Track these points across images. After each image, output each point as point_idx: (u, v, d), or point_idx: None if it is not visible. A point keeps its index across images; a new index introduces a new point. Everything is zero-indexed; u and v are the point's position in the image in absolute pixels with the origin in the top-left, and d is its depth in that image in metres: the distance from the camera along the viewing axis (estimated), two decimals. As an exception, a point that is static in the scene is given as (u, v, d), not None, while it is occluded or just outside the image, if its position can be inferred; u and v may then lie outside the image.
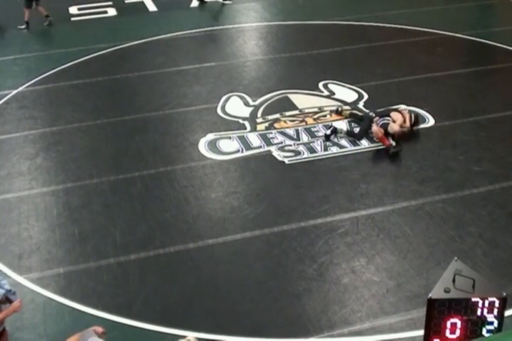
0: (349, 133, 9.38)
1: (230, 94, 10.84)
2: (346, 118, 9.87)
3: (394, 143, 8.96)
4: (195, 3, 15.83)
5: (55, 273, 6.93)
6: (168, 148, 9.31)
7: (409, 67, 11.67)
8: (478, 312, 4.48)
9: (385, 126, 9.13)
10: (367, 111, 9.84)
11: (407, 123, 9.29)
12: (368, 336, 6.04)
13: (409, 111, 9.59)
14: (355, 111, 10.00)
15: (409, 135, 9.27)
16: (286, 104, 10.41)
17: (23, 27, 14.39)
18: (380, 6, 15.03)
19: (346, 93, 10.75)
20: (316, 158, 8.91)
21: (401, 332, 6.05)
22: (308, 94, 10.77)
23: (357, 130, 9.44)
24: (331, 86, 11.02)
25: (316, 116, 10.00)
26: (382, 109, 9.63)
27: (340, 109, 10.06)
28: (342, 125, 9.60)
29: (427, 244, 7.18)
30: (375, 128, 9.10)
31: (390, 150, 8.86)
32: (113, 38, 13.51)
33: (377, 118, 9.32)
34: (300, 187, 8.29)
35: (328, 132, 9.31)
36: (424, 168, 8.61)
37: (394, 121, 9.28)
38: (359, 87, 10.90)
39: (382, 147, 9.08)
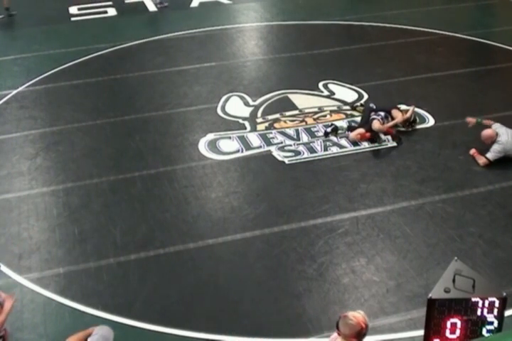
0: (349, 128, 9.44)
1: (230, 94, 10.85)
2: (347, 116, 9.91)
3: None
4: (195, 3, 15.84)
5: (55, 273, 6.93)
6: (168, 148, 9.31)
7: (409, 67, 11.68)
8: (478, 312, 4.49)
9: (370, 122, 9.24)
10: (368, 103, 9.87)
11: (398, 121, 9.39)
12: (368, 336, 5.95)
13: (413, 112, 9.58)
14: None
15: (400, 134, 9.35)
16: (286, 104, 10.41)
17: (1, 16, 14.85)
18: (380, 6, 15.05)
19: (346, 93, 10.75)
20: (316, 158, 8.91)
21: (401, 332, 6.05)
22: (308, 94, 10.77)
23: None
24: (331, 86, 11.02)
25: (316, 116, 10.01)
26: (384, 105, 9.65)
27: (354, 105, 10.17)
28: (342, 123, 9.65)
29: (427, 244, 7.18)
30: (376, 122, 9.16)
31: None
32: (113, 38, 13.51)
33: (376, 113, 9.37)
34: (300, 187, 8.29)
35: (329, 129, 9.35)
36: (424, 168, 8.61)
37: (393, 119, 9.37)
38: (359, 87, 10.90)
39: (382, 147, 9.11)
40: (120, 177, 8.63)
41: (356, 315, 4.45)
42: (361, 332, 4.41)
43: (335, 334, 4.58)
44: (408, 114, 9.47)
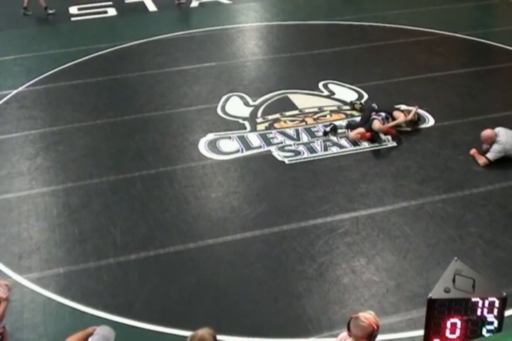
0: (349, 126, 9.43)
1: (230, 94, 10.85)
2: (347, 116, 9.90)
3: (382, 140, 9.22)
4: (195, 3, 15.84)
5: (55, 273, 6.93)
6: (168, 148, 9.31)
7: (409, 67, 11.68)
8: (478, 312, 4.49)
9: (370, 122, 9.21)
10: (370, 102, 9.86)
11: (400, 122, 9.36)
12: (368, 336, 6.03)
13: (416, 113, 9.54)
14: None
15: (399, 134, 9.35)
16: (286, 104, 10.41)
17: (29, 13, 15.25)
18: (380, 6, 15.06)
19: (346, 93, 10.75)
20: (316, 158, 8.91)
21: (401, 332, 6.05)
22: (308, 94, 10.77)
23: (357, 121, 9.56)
24: (331, 86, 11.02)
25: (316, 116, 10.00)
26: (385, 106, 9.63)
27: (353, 102, 10.17)
28: (342, 123, 9.65)
29: (427, 244, 7.18)
30: (376, 122, 9.14)
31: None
32: (113, 38, 13.52)
33: (377, 113, 9.35)
34: (300, 187, 8.29)
35: (328, 129, 9.35)
36: (424, 168, 8.61)
37: (394, 120, 9.35)
38: (359, 87, 10.90)
39: (382, 147, 9.11)
40: (120, 177, 8.63)
41: (368, 317, 4.42)
42: (373, 333, 4.39)
43: (344, 334, 4.57)
44: (410, 116, 9.43)
